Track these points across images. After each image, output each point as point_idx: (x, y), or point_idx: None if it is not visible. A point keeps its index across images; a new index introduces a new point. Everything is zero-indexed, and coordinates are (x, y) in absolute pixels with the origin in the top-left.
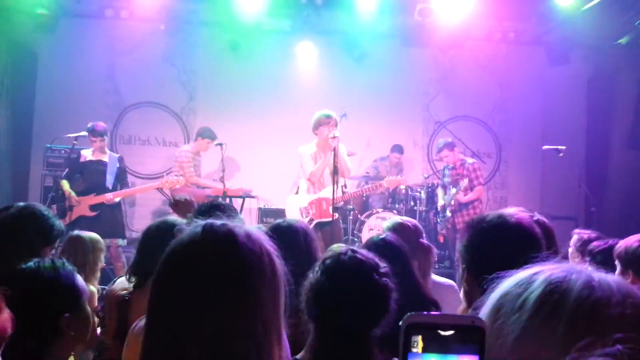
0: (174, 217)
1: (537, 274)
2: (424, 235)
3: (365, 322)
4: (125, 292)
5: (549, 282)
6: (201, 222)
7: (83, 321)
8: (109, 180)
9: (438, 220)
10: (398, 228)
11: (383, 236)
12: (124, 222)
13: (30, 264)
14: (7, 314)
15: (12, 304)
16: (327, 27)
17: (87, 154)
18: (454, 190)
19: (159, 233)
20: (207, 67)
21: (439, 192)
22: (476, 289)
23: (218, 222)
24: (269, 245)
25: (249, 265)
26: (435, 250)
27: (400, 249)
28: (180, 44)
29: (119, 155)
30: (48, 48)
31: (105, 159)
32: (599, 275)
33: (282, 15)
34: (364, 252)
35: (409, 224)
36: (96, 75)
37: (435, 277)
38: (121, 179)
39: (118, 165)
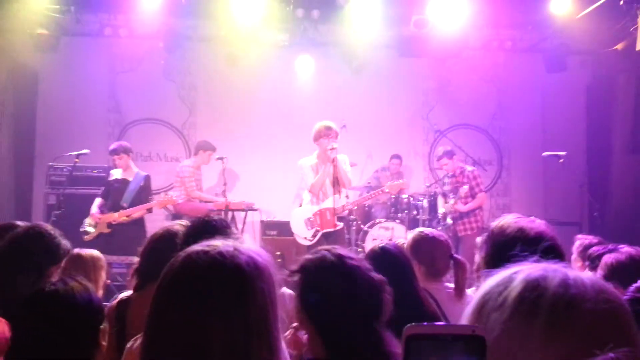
0: (179, 226)
1: (516, 273)
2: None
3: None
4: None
5: (527, 281)
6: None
7: (106, 333)
8: (125, 198)
9: (440, 228)
10: (426, 240)
11: (382, 245)
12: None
13: (59, 284)
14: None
15: (53, 326)
16: (324, 40)
17: (115, 173)
18: (452, 201)
19: (163, 239)
20: (207, 82)
21: (439, 200)
22: None
23: (198, 248)
24: (259, 261)
25: (238, 288)
26: (467, 265)
27: (399, 257)
28: (179, 60)
29: (146, 174)
30: (49, 67)
31: (130, 177)
32: (574, 274)
33: (280, 29)
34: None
35: (441, 238)
36: (97, 93)
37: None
38: (143, 197)
39: (142, 184)
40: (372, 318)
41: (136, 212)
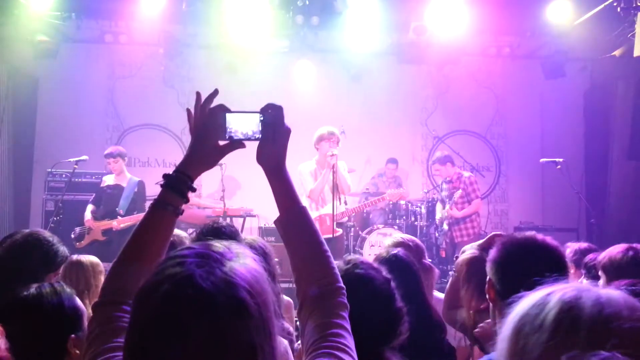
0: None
1: (550, 295)
2: (426, 254)
3: (373, 339)
4: None
5: (562, 302)
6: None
7: (80, 340)
8: (121, 204)
9: (437, 234)
10: (399, 247)
11: (395, 252)
12: None
13: (32, 290)
14: (2, 342)
15: (18, 331)
16: (324, 46)
17: (108, 180)
18: (448, 206)
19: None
20: (206, 88)
21: (438, 206)
22: (501, 306)
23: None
24: (256, 279)
25: (230, 317)
26: (436, 271)
27: (411, 266)
28: (179, 67)
29: (139, 180)
30: (49, 73)
31: (124, 183)
32: (606, 292)
33: (280, 36)
34: (374, 265)
35: (410, 243)
36: (96, 99)
37: (436, 294)
38: (138, 204)
39: (136, 189)
40: (384, 343)
41: (136, 219)
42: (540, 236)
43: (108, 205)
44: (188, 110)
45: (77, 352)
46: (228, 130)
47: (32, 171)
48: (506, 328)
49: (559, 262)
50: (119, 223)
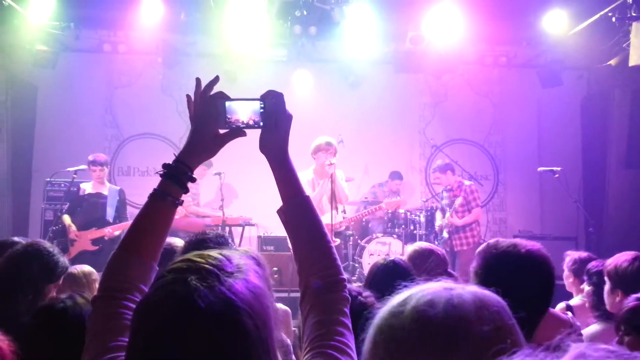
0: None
1: (407, 300)
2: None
3: None
4: None
5: (415, 310)
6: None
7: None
8: (109, 213)
9: (437, 243)
10: (425, 254)
11: (392, 258)
12: None
13: (68, 301)
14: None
15: (64, 341)
16: (321, 56)
17: (87, 187)
18: (448, 214)
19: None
20: None
21: (437, 214)
22: None
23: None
24: (254, 294)
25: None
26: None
27: (409, 271)
28: (177, 76)
29: (119, 188)
30: (48, 82)
31: (105, 191)
32: (458, 294)
33: (278, 45)
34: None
35: (439, 252)
36: (95, 109)
37: None
38: (120, 212)
39: (118, 197)
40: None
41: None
42: (524, 246)
43: (91, 214)
44: (188, 97)
45: None
46: (228, 118)
47: (31, 180)
48: (368, 335)
49: (542, 270)
50: (114, 230)
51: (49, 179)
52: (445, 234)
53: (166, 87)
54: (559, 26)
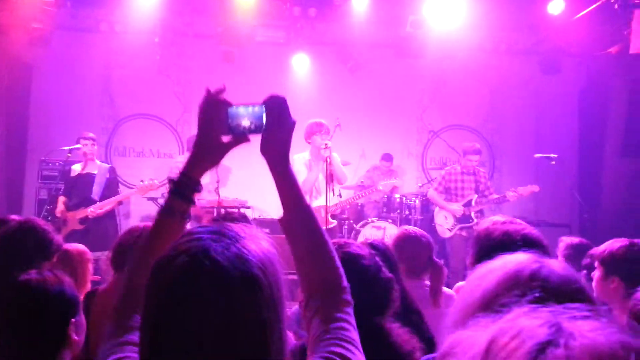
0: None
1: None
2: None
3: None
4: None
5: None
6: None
7: (82, 327)
8: (95, 191)
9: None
10: (408, 239)
11: (370, 241)
12: (118, 234)
13: (33, 275)
14: None
15: (22, 317)
16: (321, 39)
17: (77, 168)
18: (475, 196)
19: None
20: (202, 78)
21: (435, 195)
22: None
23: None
24: (268, 258)
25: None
26: (445, 270)
27: (386, 252)
28: (174, 56)
29: (110, 165)
30: (43, 61)
31: (95, 170)
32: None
33: (277, 26)
34: (356, 244)
35: (423, 238)
36: (91, 88)
37: (445, 290)
38: (111, 190)
39: (107, 176)
40: (378, 313)
41: (113, 202)
42: (517, 232)
43: (81, 194)
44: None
45: (76, 338)
46: (230, 124)
47: (26, 160)
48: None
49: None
50: (96, 209)
51: (43, 158)
52: (473, 216)
53: (163, 68)
54: (560, 12)
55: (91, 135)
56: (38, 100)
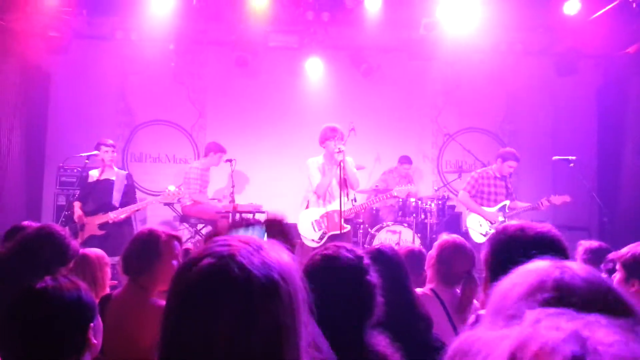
0: (157, 227)
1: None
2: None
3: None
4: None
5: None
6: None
7: (100, 330)
8: (115, 197)
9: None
10: (452, 245)
11: (378, 246)
12: None
13: (48, 282)
14: None
15: (39, 325)
16: (334, 43)
17: (95, 174)
18: (508, 202)
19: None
20: (216, 84)
21: (469, 199)
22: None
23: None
24: (288, 268)
25: (263, 291)
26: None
27: (394, 259)
28: (189, 63)
29: (127, 172)
30: (60, 69)
31: (113, 177)
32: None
33: (290, 31)
34: (347, 247)
35: (468, 249)
36: (108, 95)
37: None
38: (129, 196)
39: (126, 182)
40: (362, 319)
41: (136, 209)
42: (532, 228)
43: (100, 200)
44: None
45: (95, 341)
46: None
47: (44, 166)
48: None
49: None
50: (118, 214)
51: (61, 165)
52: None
53: (178, 75)
54: (577, 12)
55: (111, 142)
56: (56, 108)
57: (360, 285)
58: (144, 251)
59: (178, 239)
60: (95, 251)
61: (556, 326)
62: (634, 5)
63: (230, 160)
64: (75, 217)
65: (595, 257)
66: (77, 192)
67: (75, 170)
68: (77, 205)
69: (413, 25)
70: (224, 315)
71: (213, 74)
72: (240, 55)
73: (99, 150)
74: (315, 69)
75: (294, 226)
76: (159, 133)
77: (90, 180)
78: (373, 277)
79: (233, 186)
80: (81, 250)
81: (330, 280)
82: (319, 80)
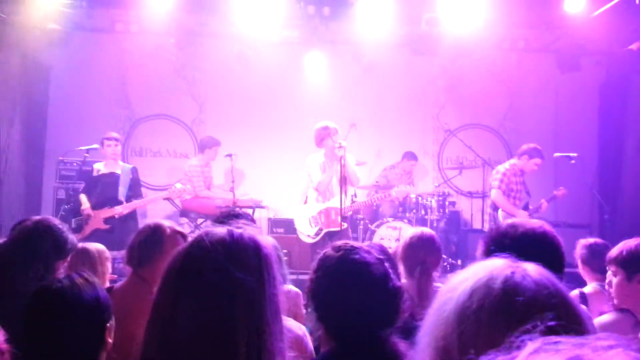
0: (163, 221)
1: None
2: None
3: (374, 323)
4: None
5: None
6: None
7: (113, 327)
8: (121, 192)
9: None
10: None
11: (368, 245)
12: None
13: (65, 281)
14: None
15: (58, 326)
16: (335, 37)
17: (100, 167)
18: (529, 199)
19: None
20: (217, 78)
21: (503, 198)
22: None
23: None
24: (270, 250)
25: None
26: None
27: (389, 256)
28: (190, 57)
29: (132, 166)
30: (60, 62)
31: (118, 170)
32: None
33: (291, 26)
34: (365, 249)
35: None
36: (108, 89)
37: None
38: (134, 190)
39: (131, 176)
40: (383, 326)
41: (149, 202)
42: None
43: (105, 193)
44: None
45: (110, 340)
46: None
47: (44, 159)
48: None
49: (553, 252)
50: (124, 209)
51: (61, 158)
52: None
53: (179, 68)
54: (579, 9)
55: (114, 135)
56: (56, 101)
57: (387, 291)
58: (147, 243)
59: (183, 235)
60: (95, 245)
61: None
62: (637, 1)
63: (230, 155)
64: (83, 210)
65: (590, 253)
66: (79, 186)
67: (75, 164)
68: (83, 197)
69: (415, 21)
70: (208, 280)
71: (214, 67)
72: (241, 49)
73: (102, 145)
74: (316, 64)
75: (292, 221)
76: (159, 127)
77: (95, 173)
78: (396, 280)
79: (233, 181)
80: (81, 245)
81: (359, 286)
82: (320, 74)
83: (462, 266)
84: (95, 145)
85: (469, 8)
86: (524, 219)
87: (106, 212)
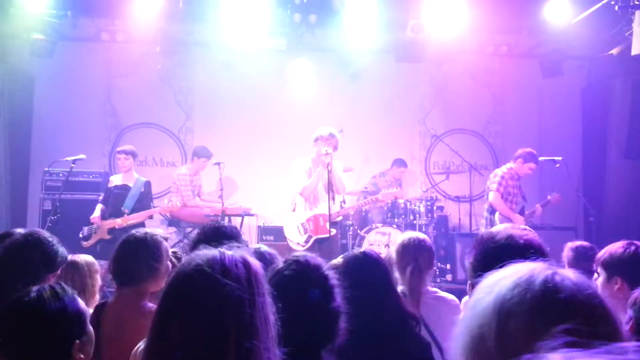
0: (150, 230)
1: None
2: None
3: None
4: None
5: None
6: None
7: (89, 342)
8: (127, 204)
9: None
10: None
11: (363, 250)
12: None
13: (32, 294)
14: None
15: (19, 340)
16: (321, 45)
17: (115, 180)
18: (524, 203)
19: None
20: (204, 87)
21: (501, 201)
22: None
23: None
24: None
25: (234, 295)
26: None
27: (380, 262)
28: (176, 65)
29: (146, 180)
30: (45, 72)
31: (131, 183)
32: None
33: (277, 34)
34: (307, 259)
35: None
36: (93, 98)
37: (441, 293)
38: (144, 203)
39: (142, 189)
40: (321, 344)
41: (140, 218)
42: (521, 237)
43: (114, 205)
44: None
45: (82, 356)
46: None
47: (29, 170)
48: (486, 307)
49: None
50: (123, 221)
51: (47, 169)
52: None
53: (164, 77)
54: (560, 15)
55: (124, 148)
56: (41, 111)
57: (325, 310)
58: (144, 256)
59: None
60: (84, 257)
61: None
62: (617, 7)
63: (218, 164)
64: (92, 219)
65: (576, 255)
66: (78, 194)
67: (61, 175)
68: (99, 207)
69: (400, 27)
70: (201, 305)
71: (200, 76)
72: (227, 57)
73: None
74: (303, 71)
75: (282, 229)
76: (145, 136)
77: (109, 185)
78: (337, 300)
79: (221, 189)
80: (71, 257)
81: (292, 302)
82: (306, 82)
83: (451, 270)
84: (81, 156)
85: (453, 15)
86: (517, 229)
87: (110, 223)
